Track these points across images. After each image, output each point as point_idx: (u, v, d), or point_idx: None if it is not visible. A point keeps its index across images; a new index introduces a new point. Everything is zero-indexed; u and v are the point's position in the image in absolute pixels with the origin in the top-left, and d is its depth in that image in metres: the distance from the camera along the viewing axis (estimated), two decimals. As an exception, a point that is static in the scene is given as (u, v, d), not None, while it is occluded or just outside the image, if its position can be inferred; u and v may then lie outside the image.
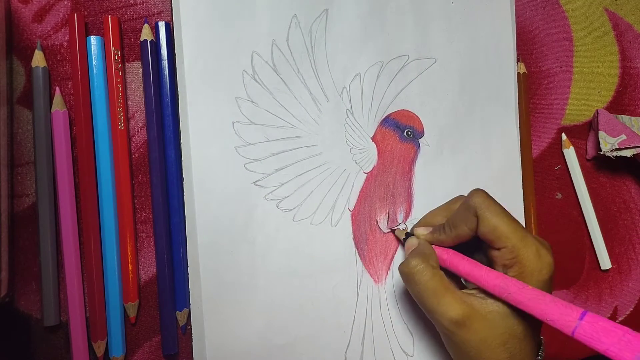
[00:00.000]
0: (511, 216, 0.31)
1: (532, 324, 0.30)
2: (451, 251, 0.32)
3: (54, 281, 0.32)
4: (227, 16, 0.34)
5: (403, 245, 0.37)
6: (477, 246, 0.33)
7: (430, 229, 0.34)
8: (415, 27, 0.39)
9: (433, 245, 0.33)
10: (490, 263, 0.31)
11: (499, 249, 0.30)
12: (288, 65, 0.36)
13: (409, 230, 0.37)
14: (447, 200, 0.36)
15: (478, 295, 0.30)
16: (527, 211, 0.42)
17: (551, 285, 0.30)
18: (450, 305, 0.29)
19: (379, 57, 0.38)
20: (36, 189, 0.32)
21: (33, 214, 0.33)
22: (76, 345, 0.32)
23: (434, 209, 0.36)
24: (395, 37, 0.39)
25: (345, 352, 0.36)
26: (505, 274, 0.30)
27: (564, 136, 0.44)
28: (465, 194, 0.32)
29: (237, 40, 0.34)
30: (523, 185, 0.42)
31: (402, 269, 0.31)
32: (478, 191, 0.31)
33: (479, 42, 0.41)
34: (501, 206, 0.31)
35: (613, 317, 0.45)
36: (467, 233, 0.31)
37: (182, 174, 0.33)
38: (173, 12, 0.33)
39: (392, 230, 0.37)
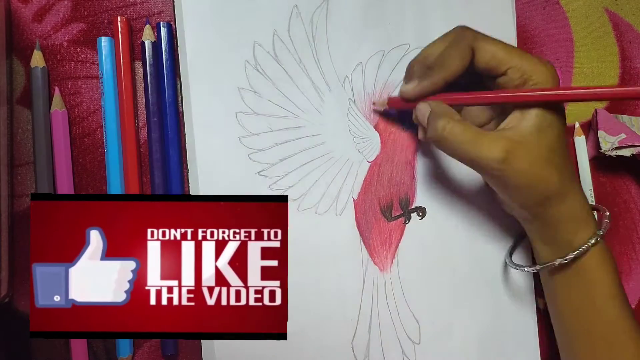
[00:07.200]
0: (504, 42, 0.32)
1: (557, 120, 0.31)
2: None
3: (54, 281, 0.32)
4: (229, 7, 0.34)
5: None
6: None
7: (416, 81, 0.33)
8: (416, 16, 0.39)
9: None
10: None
11: (504, 73, 0.31)
12: (290, 55, 0.36)
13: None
14: (425, 48, 0.34)
15: (507, 128, 0.31)
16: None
17: None
18: (491, 146, 0.30)
19: (380, 46, 0.38)
20: (36, 189, 0.32)
21: (33, 214, 0.32)
22: (76, 345, 0.32)
23: (417, 59, 0.34)
24: (395, 26, 0.39)
25: (352, 341, 0.36)
26: None
27: (577, 124, 0.44)
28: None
29: (238, 31, 0.34)
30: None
31: (432, 135, 0.31)
32: (464, 27, 0.32)
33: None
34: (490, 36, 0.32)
35: (613, 317, 0.45)
36: (459, 69, 0.32)
37: (183, 174, 0.33)
38: (175, 5, 0.33)
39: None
